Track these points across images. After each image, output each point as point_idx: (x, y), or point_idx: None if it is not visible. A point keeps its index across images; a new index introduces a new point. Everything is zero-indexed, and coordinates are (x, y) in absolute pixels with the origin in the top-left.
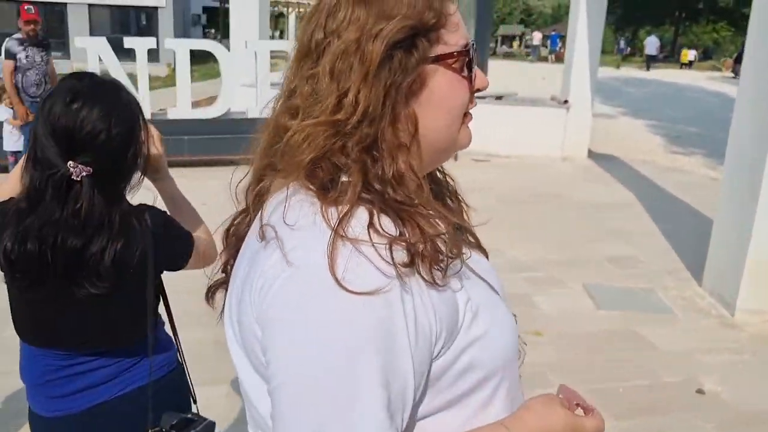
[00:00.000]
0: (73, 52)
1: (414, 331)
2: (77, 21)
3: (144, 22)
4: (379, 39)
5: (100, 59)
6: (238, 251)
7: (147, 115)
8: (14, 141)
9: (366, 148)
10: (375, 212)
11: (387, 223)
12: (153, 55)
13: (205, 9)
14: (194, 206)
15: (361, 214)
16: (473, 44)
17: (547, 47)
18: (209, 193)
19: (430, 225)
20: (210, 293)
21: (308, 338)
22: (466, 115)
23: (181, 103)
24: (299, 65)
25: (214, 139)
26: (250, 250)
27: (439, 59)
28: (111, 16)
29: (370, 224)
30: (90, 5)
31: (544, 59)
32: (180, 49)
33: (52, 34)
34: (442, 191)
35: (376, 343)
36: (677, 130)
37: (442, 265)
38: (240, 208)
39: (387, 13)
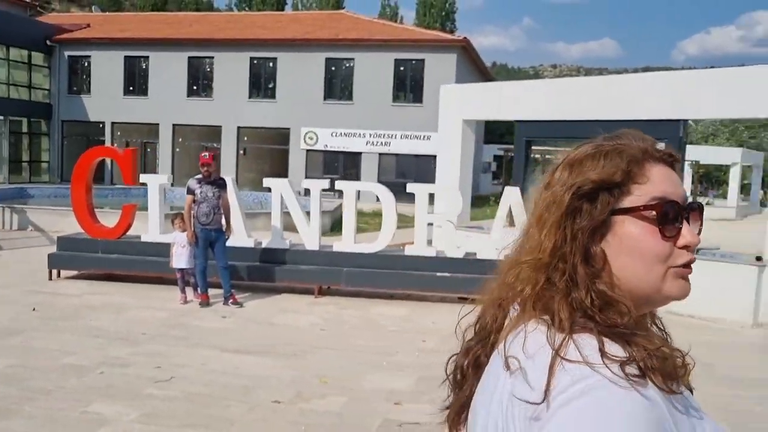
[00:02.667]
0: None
1: None
2: (369, 166)
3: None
4: (568, 191)
5: (282, 198)
6: (478, 379)
7: (315, 246)
8: (181, 259)
9: (567, 280)
10: (601, 338)
11: (614, 348)
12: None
13: (496, 157)
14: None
15: (589, 340)
16: (679, 203)
17: None
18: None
19: (650, 342)
20: (451, 417)
21: None
22: (677, 267)
23: (345, 236)
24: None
25: (370, 273)
26: (499, 380)
27: (627, 211)
28: (397, 163)
29: (601, 349)
30: (380, 154)
31: None
32: (348, 189)
33: (347, 177)
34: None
35: None
36: None
37: (672, 376)
38: (468, 340)
39: (583, 173)
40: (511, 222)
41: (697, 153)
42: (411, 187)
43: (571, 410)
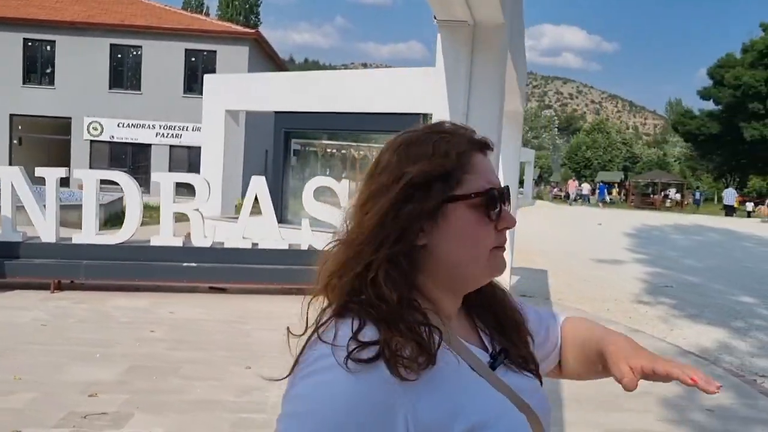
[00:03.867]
0: (152, 186)
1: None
2: (160, 159)
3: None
4: (399, 179)
5: (12, 186)
6: None
7: (51, 239)
8: None
9: (366, 266)
10: (363, 319)
11: (370, 332)
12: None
13: (295, 152)
14: None
15: (349, 321)
16: (501, 189)
17: (595, 196)
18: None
19: (399, 330)
20: None
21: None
22: (497, 248)
23: (85, 228)
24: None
25: (113, 265)
26: None
27: (458, 198)
28: (189, 155)
29: (354, 332)
30: (171, 146)
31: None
32: (88, 177)
33: (137, 170)
34: (497, 310)
35: None
36: (675, 279)
37: (405, 363)
38: None
39: (411, 159)
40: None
41: None
42: (156, 176)
43: (300, 386)
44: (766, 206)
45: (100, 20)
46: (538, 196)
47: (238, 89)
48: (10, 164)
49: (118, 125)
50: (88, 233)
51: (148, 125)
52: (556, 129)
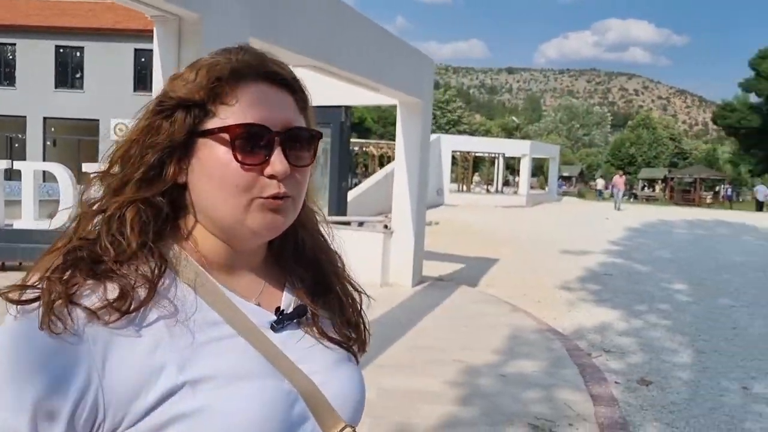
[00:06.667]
0: None
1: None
2: None
3: None
4: (149, 108)
5: None
6: None
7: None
8: None
9: (108, 199)
10: (67, 260)
11: (77, 278)
12: None
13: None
14: None
15: (57, 261)
16: (264, 128)
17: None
18: None
19: (107, 276)
20: None
21: None
22: (265, 199)
23: (25, 215)
24: None
25: (47, 249)
26: None
27: (207, 133)
28: None
29: (63, 279)
30: None
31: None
32: (26, 169)
33: None
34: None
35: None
36: (624, 268)
37: (57, 314)
38: None
39: (174, 85)
40: None
41: (501, 146)
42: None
43: None
44: None
45: (126, 26)
46: (581, 194)
47: None
48: None
49: None
50: (27, 220)
51: None
52: (609, 126)
